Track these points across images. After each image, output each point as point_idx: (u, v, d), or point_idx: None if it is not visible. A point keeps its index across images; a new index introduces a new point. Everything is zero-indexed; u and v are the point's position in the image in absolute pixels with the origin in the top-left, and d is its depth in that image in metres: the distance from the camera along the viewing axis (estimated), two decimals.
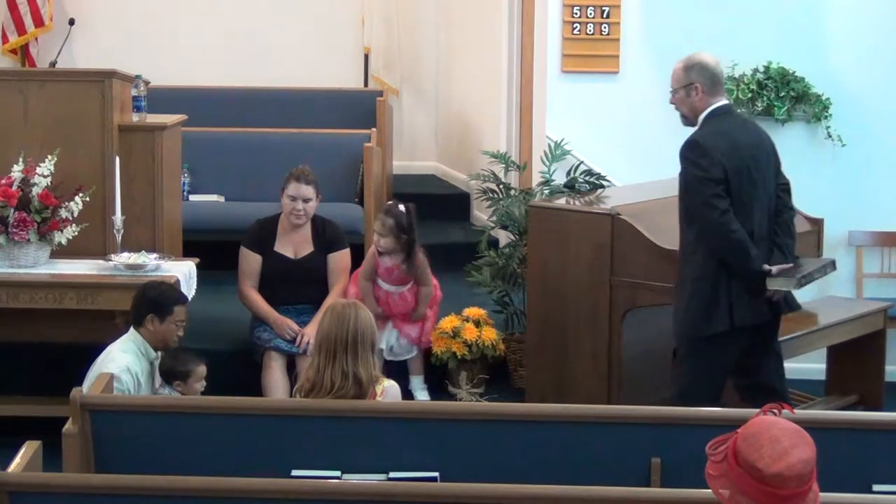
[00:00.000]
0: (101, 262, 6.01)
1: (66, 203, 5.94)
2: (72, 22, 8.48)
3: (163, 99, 7.32)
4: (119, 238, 6.05)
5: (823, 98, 7.35)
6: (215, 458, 4.25)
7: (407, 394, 6.24)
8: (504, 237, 7.62)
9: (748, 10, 7.39)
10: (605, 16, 7.36)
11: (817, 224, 6.95)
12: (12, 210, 5.88)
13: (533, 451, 4.27)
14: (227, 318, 6.92)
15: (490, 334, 6.69)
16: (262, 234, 6.51)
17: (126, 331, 5.44)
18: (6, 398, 6.15)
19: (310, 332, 6.15)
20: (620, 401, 5.92)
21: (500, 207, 7.13)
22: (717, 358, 5.34)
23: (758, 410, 2.91)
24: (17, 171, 5.97)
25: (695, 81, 5.31)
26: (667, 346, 6.38)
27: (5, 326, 6.02)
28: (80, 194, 5.97)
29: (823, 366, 6.91)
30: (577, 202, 6.53)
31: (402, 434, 4.30)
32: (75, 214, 5.96)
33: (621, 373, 6.06)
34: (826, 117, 7.35)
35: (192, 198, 8.11)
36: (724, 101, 5.37)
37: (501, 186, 7.25)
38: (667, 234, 5.75)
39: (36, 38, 9.54)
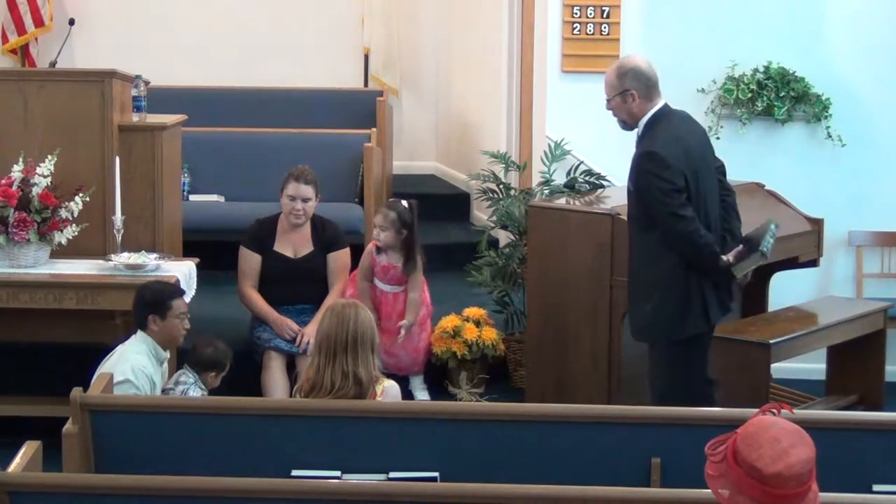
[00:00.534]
0: (101, 262, 6.01)
1: (66, 203, 5.94)
2: (72, 22, 8.48)
3: (163, 99, 7.32)
4: (119, 238, 6.05)
5: (823, 98, 7.35)
6: (215, 458, 4.24)
7: (407, 394, 6.24)
8: (504, 237, 7.62)
9: (748, 10, 7.39)
10: (605, 16, 7.36)
11: (817, 224, 6.95)
12: (12, 210, 5.88)
13: (533, 451, 4.27)
14: (227, 318, 6.92)
15: (490, 334, 6.69)
16: (262, 234, 6.52)
17: (132, 333, 5.44)
18: (6, 398, 6.15)
19: (310, 332, 6.16)
20: (620, 401, 5.91)
21: (500, 207, 7.13)
22: (695, 358, 5.38)
23: (757, 410, 2.91)
24: (17, 171, 5.97)
25: (630, 88, 5.30)
26: None
27: (5, 326, 6.02)
28: (80, 194, 5.97)
29: (823, 366, 6.91)
30: (577, 202, 6.54)
31: (402, 434, 4.30)
32: (75, 214, 5.96)
33: (621, 373, 6.06)
34: (826, 117, 7.36)
35: (192, 198, 8.12)
36: (661, 103, 5.36)
37: (501, 186, 7.25)
38: None
39: (36, 38, 9.55)
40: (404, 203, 6.46)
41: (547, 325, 6.29)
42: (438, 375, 6.66)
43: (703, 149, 5.45)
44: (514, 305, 7.05)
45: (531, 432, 4.30)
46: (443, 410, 4.47)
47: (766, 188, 7.06)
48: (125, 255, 6.01)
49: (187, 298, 5.99)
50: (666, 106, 5.37)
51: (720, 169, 5.59)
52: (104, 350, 5.45)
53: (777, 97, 7.29)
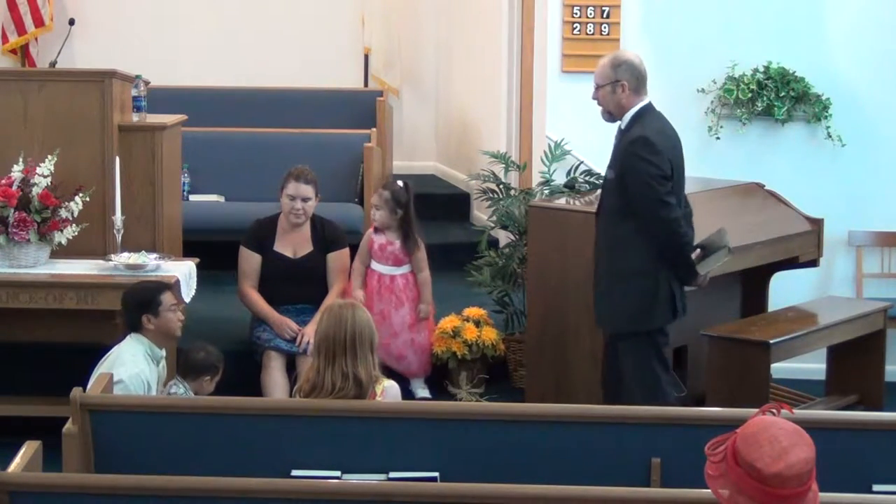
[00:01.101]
0: (101, 262, 6.01)
1: (66, 203, 5.93)
2: (72, 22, 8.47)
3: (163, 99, 7.32)
4: (119, 238, 6.05)
5: (823, 98, 7.34)
6: (215, 458, 4.24)
7: (407, 393, 6.24)
8: (504, 237, 7.62)
9: (748, 10, 7.39)
10: (605, 16, 7.36)
11: (817, 224, 6.95)
12: (12, 210, 5.88)
13: (533, 451, 4.27)
14: (227, 318, 6.93)
15: (490, 334, 6.69)
16: (262, 234, 6.52)
17: (125, 335, 5.43)
18: (6, 398, 6.15)
19: (309, 332, 6.15)
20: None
21: (500, 207, 7.13)
22: (657, 349, 5.50)
23: (757, 410, 2.91)
24: (17, 171, 5.97)
25: (621, 79, 5.44)
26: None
27: (5, 326, 6.02)
28: (80, 194, 5.96)
29: (823, 366, 6.91)
30: (577, 202, 6.54)
31: (402, 434, 4.30)
32: (75, 214, 5.96)
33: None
34: (826, 117, 7.35)
35: (192, 198, 8.12)
36: (647, 100, 5.50)
37: (501, 186, 7.25)
38: None
39: (36, 38, 9.56)
40: (399, 183, 6.50)
41: (547, 325, 6.29)
42: (438, 375, 6.66)
43: (681, 150, 5.57)
44: (514, 305, 7.05)
45: (531, 432, 4.30)
46: (443, 410, 4.47)
47: (766, 188, 7.06)
48: (125, 255, 6.01)
49: (187, 298, 6.00)
50: (650, 103, 5.51)
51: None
52: (104, 350, 5.44)
53: (777, 97, 7.29)
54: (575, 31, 7.36)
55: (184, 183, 7.61)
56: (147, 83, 6.51)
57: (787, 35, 7.39)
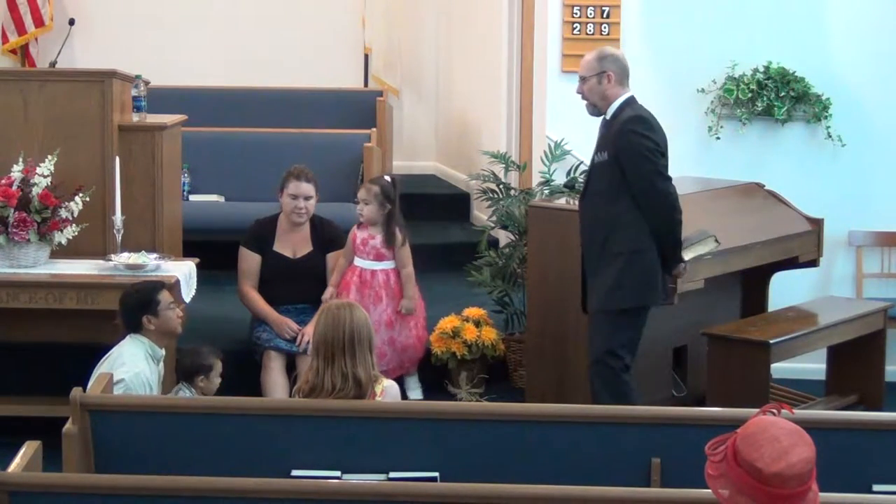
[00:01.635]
0: (101, 262, 6.01)
1: (66, 203, 5.93)
2: (72, 22, 8.48)
3: (163, 99, 7.32)
4: (119, 238, 6.05)
5: (823, 98, 7.34)
6: (215, 458, 4.24)
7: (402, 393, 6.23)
8: (504, 237, 7.62)
9: (748, 10, 7.38)
10: (605, 16, 7.36)
11: (817, 224, 6.95)
12: (12, 210, 5.88)
13: (533, 451, 4.27)
14: (227, 318, 6.93)
15: (490, 334, 6.69)
16: (261, 234, 6.52)
17: (125, 335, 5.42)
18: (6, 398, 6.15)
19: (309, 332, 6.15)
20: None
21: (500, 207, 7.13)
22: (638, 328, 5.58)
23: (757, 410, 2.91)
24: (17, 171, 5.97)
25: (607, 69, 5.57)
26: (666, 345, 6.39)
27: (5, 326, 6.02)
28: (80, 194, 5.97)
29: (823, 366, 6.91)
30: (577, 202, 6.52)
31: (402, 434, 4.29)
32: (75, 214, 5.96)
33: None
34: (826, 117, 7.35)
35: (192, 198, 8.12)
36: (631, 93, 5.61)
37: (501, 186, 7.25)
38: None
39: (36, 38, 9.56)
40: (387, 177, 6.49)
41: (547, 325, 6.29)
42: (438, 375, 6.66)
43: (667, 142, 5.66)
44: (514, 305, 7.05)
45: (531, 432, 4.30)
46: (443, 410, 4.46)
47: (766, 188, 7.06)
48: (125, 255, 6.01)
49: (187, 298, 6.00)
50: (633, 96, 5.62)
51: None
52: (104, 350, 5.44)
53: (777, 97, 7.29)
54: (575, 31, 7.36)
55: (184, 183, 7.61)
56: (147, 83, 6.51)
57: (787, 35, 7.39)
